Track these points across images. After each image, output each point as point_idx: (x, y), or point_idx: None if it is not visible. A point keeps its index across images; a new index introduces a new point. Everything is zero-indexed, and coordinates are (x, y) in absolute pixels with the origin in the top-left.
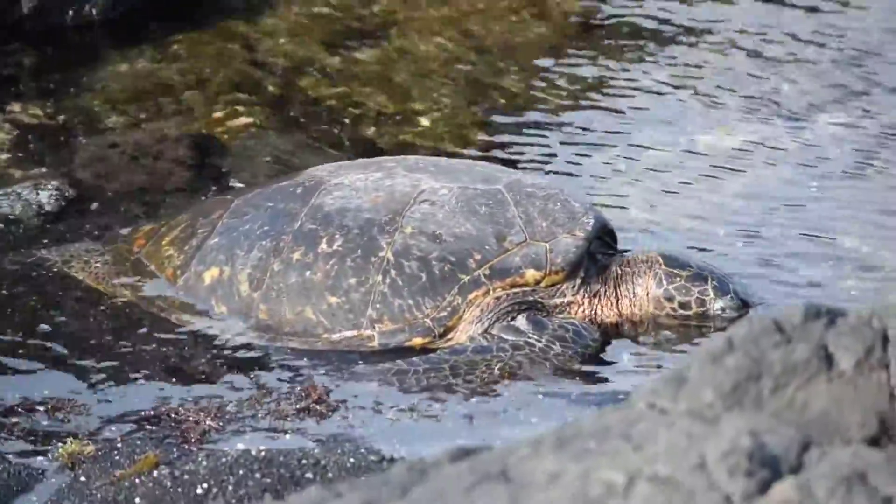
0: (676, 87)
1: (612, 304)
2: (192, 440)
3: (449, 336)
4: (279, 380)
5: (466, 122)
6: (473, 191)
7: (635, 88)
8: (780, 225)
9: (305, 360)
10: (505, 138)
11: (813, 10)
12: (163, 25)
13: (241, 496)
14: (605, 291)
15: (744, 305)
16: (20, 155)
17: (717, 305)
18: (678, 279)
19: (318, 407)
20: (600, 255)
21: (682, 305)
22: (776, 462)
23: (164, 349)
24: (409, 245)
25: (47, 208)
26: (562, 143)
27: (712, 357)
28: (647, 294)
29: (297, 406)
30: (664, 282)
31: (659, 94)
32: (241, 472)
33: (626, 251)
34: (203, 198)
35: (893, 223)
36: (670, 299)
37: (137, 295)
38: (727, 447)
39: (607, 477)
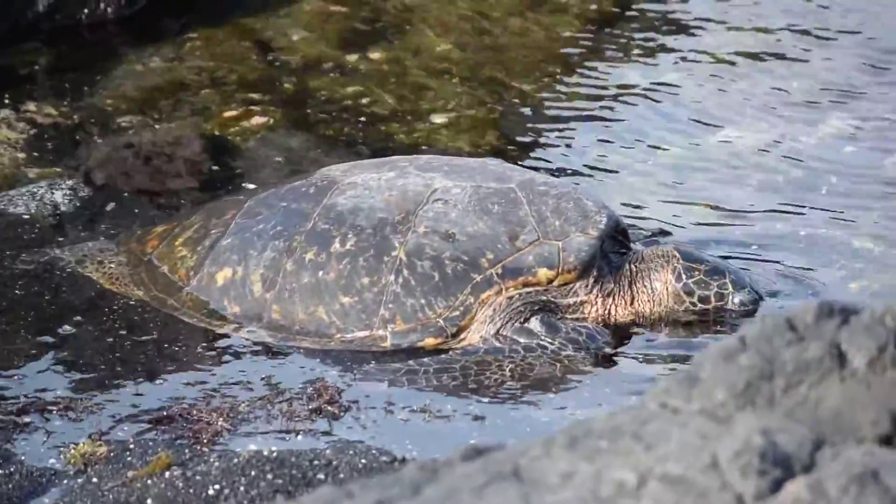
0: (693, 85)
1: (626, 303)
2: (205, 441)
3: (461, 336)
4: (291, 380)
5: (480, 121)
6: (486, 190)
7: (651, 86)
8: (794, 223)
9: (317, 360)
10: (518, 137)
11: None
12: (177, 23)
13: (253, 497)
14: (620, 290)
15: (759, 299)
16: (35, 154)
17: (735, 299)
18: (697, 273)
19: (329, 407)
20: (613, 254)
21: (702, 299)
22: (788, 461)
23: (177, 350)
24: (421, 244)
25: (62, 208)
26: (576, 142)
27: (725, 356)
28: (667, 289)
29: (309, 407)
30: (683, 276)
31: (674, 91)
32: (252, 472)
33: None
34: (217, 198)
35: None
36: (690, 293)
37: (150, 295)
38: (739, 446)
39: (619, 476)
